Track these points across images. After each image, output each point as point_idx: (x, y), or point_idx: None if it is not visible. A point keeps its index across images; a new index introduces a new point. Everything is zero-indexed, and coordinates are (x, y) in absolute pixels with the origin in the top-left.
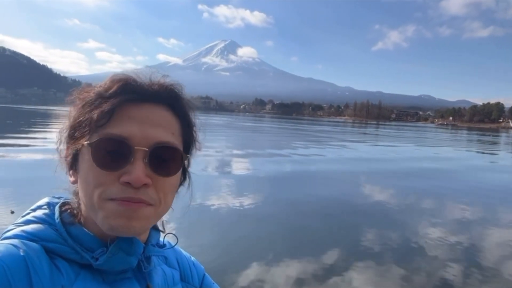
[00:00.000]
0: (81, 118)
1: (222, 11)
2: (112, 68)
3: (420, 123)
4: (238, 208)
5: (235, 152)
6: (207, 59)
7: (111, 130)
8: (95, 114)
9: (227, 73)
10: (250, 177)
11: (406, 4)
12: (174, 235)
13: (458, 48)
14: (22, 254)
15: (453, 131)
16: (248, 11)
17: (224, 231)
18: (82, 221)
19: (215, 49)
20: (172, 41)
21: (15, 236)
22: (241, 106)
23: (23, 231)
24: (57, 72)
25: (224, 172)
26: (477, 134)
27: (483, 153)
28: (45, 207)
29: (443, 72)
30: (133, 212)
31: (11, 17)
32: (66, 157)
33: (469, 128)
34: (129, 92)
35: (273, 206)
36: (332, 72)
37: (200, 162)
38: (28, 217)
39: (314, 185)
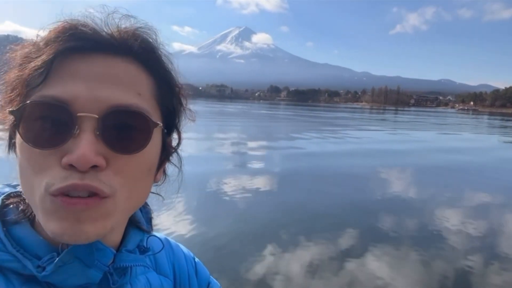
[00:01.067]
0: (14, 82)
1: None
2: None
3: (440, 109)
4: (247, 203)
5: (249, 143)
6: (222, 47)
7: (46, 92)
8: (26, 71)
9: (242, 61)
10: (263, 170)
11: None
12: (158, 238)
13: (479, 31)
14: None
15: (474, 116)
16: None
17: (232, 225)
18: (35, 219)
19: (230, 36)
20: (187, 29)
21: None
22: (256, 94)
23: None
24: None
25: (235, 165)
26: (501, 120)
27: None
28: None
29: (463, 56)
30: (81, 211)
31: (29, 8)
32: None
33: (491, 113)
34: (74, 40)
35: (281, 206)
36: (349, 57)
37: (211, 156)
38: None
39: (335, 182)
